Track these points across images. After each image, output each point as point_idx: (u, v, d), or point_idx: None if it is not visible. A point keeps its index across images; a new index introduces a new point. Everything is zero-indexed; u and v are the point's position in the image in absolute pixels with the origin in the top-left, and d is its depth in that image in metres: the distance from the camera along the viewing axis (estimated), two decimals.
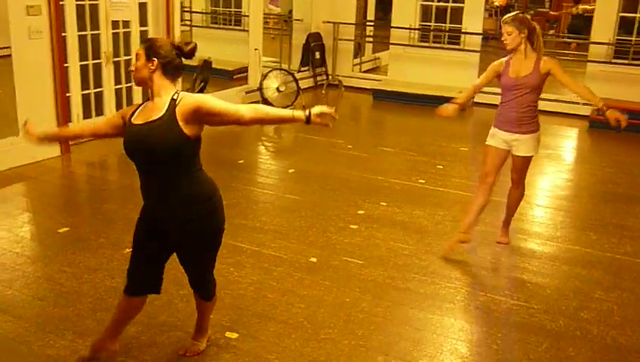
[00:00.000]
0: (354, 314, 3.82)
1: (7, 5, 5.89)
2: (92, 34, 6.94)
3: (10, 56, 6.04)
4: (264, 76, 9.17)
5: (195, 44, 2.97)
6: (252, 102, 8.98)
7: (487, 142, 4.65)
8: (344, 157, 7.09)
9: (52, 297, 3.90)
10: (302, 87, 9.55)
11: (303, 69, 10.73)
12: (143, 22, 7.53)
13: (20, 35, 6.00)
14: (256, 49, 9.34)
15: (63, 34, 6.50)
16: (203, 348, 3.40)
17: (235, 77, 10.03)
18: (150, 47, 2.86)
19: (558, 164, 7.34)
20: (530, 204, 5.75)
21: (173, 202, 2.92)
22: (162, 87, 2.86)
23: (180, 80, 3.04)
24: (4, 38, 6.05)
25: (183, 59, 2.95)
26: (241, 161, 6.81)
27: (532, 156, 4.60)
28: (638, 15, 9.11)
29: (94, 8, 6.92)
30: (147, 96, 2.95)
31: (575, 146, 8.63)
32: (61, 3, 6.40)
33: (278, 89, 9.09)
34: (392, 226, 5.17)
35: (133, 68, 2.91)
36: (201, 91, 8.70)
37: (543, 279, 4.42)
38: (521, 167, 4.65)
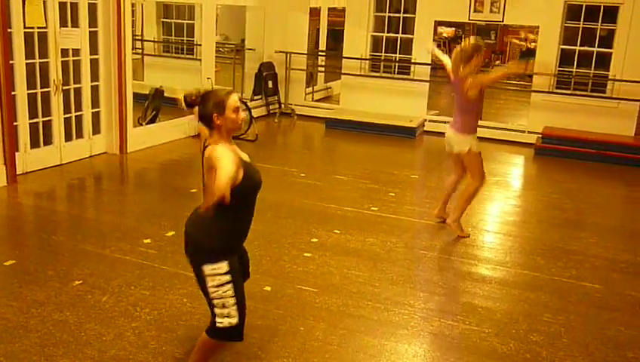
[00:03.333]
0: (308, 343, 3.82)
1: None
2: (41, 62, 6.83)
3: None
4: None
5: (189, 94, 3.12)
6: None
7: None
8: (297, 186, 7.13)
9: None
10: (254, 116, 9.58)
11: (255, 97, 10.78)
12: (94, 50, 7.46)
13: None
14: (208, 78, 9.35)
15: (11, 62, 6.38)
16: None
17: None
18: None
19: (506, 191, 7.52)
20: (479, 230, 5.88)
21: None
22: None
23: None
24: None
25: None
26: (194, 190, 6.76)
27: None
28: (577, 48, 9.50)
29: (43, 36, 6.82)
30: None
31: (522, 173, 8.87)
32: (9, 30, 6.29)
33: None
34: (346, 254, 5.21)
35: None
36: (152, 120, 8.65)
37: (494, 303, 4.51)
38: None
